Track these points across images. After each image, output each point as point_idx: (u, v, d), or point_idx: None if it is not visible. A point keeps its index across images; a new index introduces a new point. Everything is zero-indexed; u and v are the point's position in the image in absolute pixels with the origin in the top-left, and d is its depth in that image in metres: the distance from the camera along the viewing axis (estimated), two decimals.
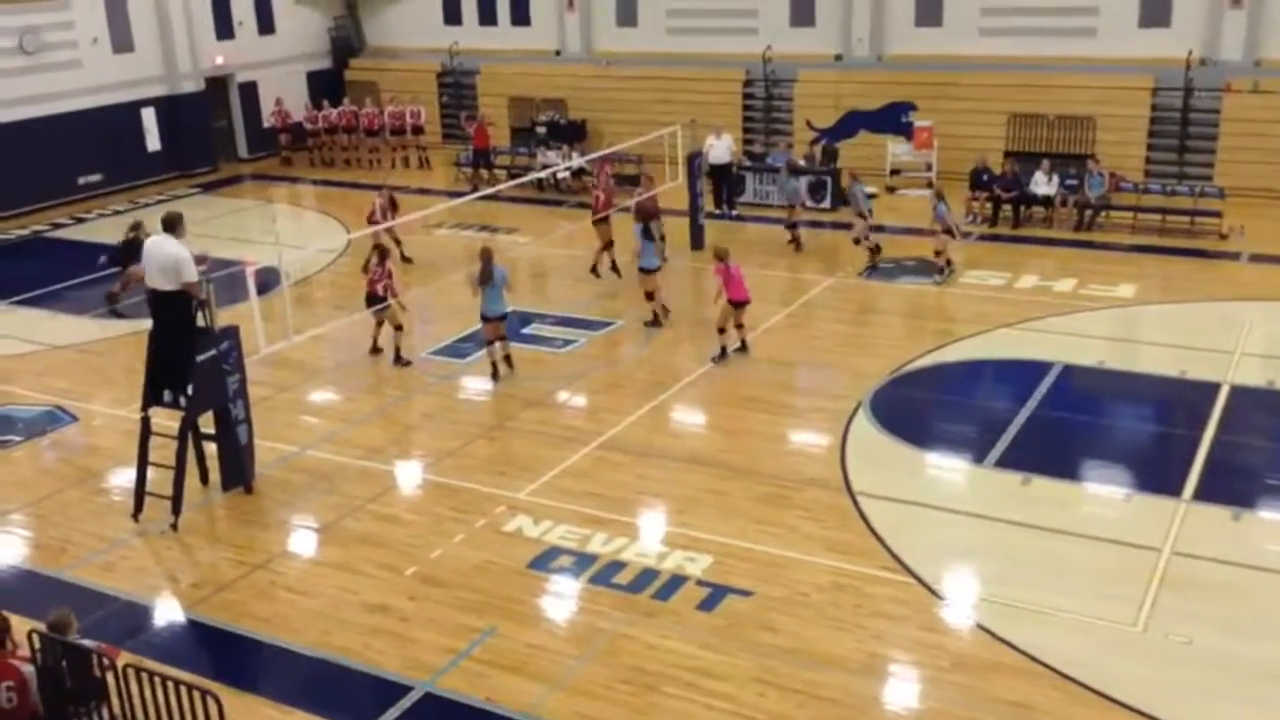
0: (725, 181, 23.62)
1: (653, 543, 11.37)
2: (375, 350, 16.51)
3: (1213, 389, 14.28)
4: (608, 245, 19.10)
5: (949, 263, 18.91)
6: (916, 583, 10.53)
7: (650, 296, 17.10)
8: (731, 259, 15.40)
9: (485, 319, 15.31)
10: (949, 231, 18.65)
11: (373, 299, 15.96)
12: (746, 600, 10.32)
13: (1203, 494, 11.84)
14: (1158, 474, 12.44)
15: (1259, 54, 23.51)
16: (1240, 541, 11.05)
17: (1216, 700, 8.81)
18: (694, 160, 21.07)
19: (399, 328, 16.13)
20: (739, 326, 15.66)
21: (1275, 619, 9.79)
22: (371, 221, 19.40)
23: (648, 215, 17.67)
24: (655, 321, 17.05)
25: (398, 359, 16.12)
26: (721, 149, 23.50)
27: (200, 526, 12.14)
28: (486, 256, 15.28)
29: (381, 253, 16.25)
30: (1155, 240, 20.74)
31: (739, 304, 15.40)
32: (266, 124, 30.56)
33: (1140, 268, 19.32)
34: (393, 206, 19.96)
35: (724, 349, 15.61)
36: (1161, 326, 16.79)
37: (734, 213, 23.51)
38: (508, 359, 15.67)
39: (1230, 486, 11.98)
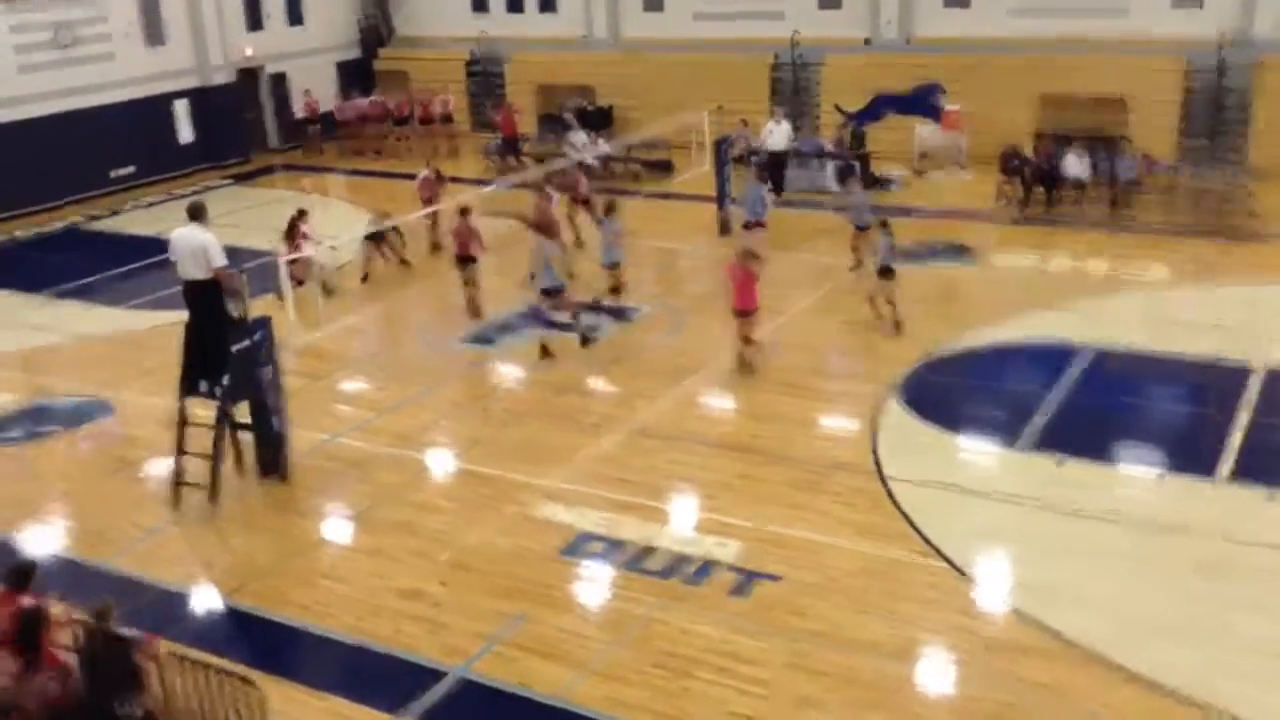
0: (781, 169, 23.10)
1: (684, 528, 11.42)
2: (476, 313, 17.23)
3: (1246, 371, 14.14)
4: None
5: (897, 325, 15.85)
6: (949, 567, 10.52)
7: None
8: (753, 262, 14.43)
9: (545, 293, 15.76)
10: (888, 271, 15.89)
11: (463, 259, 16.98)
12: (778, 585, 10.35)
13: (1238, 475, 11.77)
14: (1192, 456, 12.33)
15: None
16: (1276, 522, 10.96)
17: (1254, 683, 8.76)
18: (721, 145, 21.02)
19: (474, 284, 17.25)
20: (745, 340, 14.52)
21: None
22: (425, 196, 20.32)
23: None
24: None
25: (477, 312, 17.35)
26: (780, 135, 23.11)
27: (237, 515, 12.27)
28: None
29: (464, 209, 17.26)
30: (1188, 221, 20.53)
31: (741, 313, 14.37)
32: (298, 115, 30.71)
33: (1173, 249, 19.13)
34: (439, 179, 20.95)
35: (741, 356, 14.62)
36: (1194, 308, 16.62)
37: (780, 199, 22.79)
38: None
39: (1266, 467, 11.88)
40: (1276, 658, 9.05)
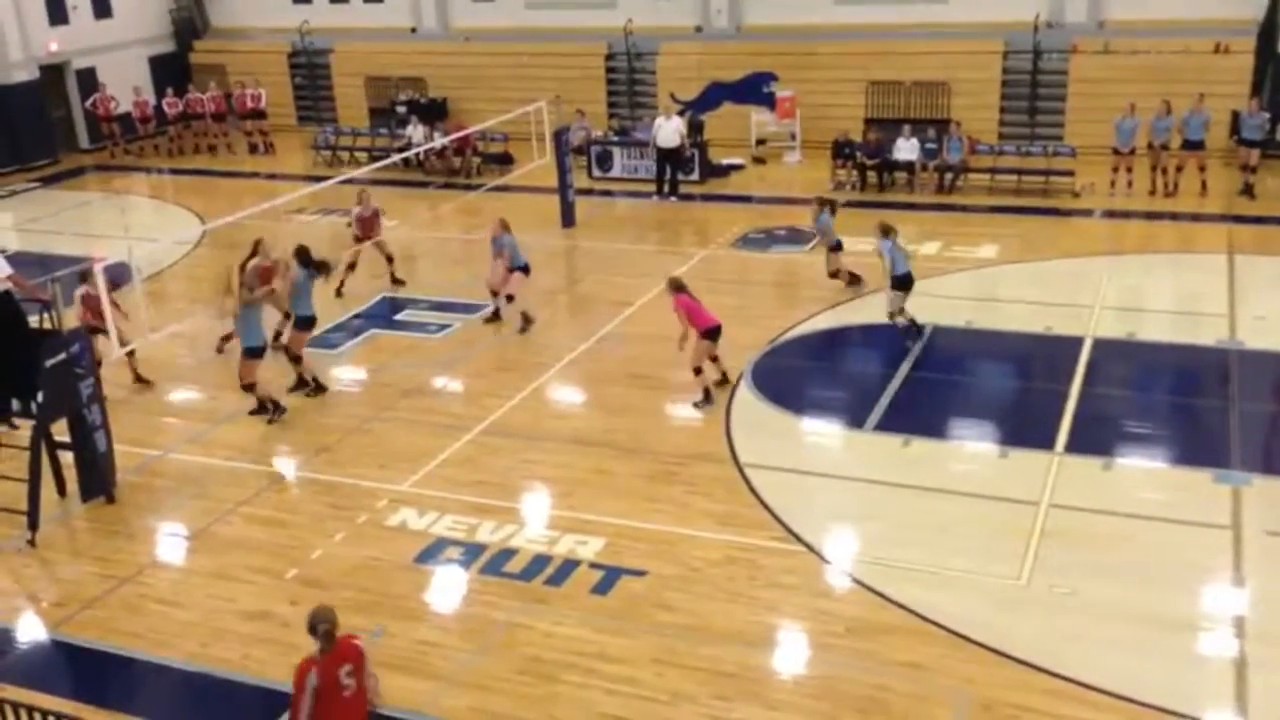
0: (672, 165, 22.43)
1: (543, 528, 11.17)
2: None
3: (1077, 343, 14.71)
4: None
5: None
6: (807, 551, 10.58)
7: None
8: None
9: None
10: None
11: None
12: (641, 580, 10.21)
13: (1074, 446, 12.19)
14: (1031, 429, 12.72)
15: (1102, 15, 24.36)
16: (1113, 490, 11.40)
17: (1102, 648, 9.03)
18: (560, 136, 20.77)
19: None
20: (714, 359, 13.79)
21: (1151, 565, 10.11)
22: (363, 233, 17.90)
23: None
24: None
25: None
26: (670, 131, 22.29)
27: (60, 541, 11.47)
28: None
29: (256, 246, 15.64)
30: (1012, 200, 21.30)
31: (713, 332, 13.47)
32: (119, 112, 28.74)
33: (1000, 228, 19.80)
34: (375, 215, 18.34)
35: (707, 390, 13.49)
36: (1024, 284, 17.23)
37: (673, 197, 22.44)
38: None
39: (1099, 437, 12.35)
40: (1122, 621, 9.36)
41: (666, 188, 22.47)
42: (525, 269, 16.02)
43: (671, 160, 22.45)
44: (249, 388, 13.75)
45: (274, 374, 14.23)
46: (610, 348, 15.39)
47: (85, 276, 13.89)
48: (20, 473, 11.35)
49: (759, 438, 12.78)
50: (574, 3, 28.13)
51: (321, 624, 7.09)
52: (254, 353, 13.55)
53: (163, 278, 19.14)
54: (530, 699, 8.80)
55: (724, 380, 13.92)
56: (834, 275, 17.01)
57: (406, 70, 29.16)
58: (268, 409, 13.76)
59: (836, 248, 16.94)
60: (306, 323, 14.38)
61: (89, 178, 27.55)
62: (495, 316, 16.30)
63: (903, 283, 14.99)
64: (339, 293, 17.30)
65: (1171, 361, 14.50)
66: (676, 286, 13.47)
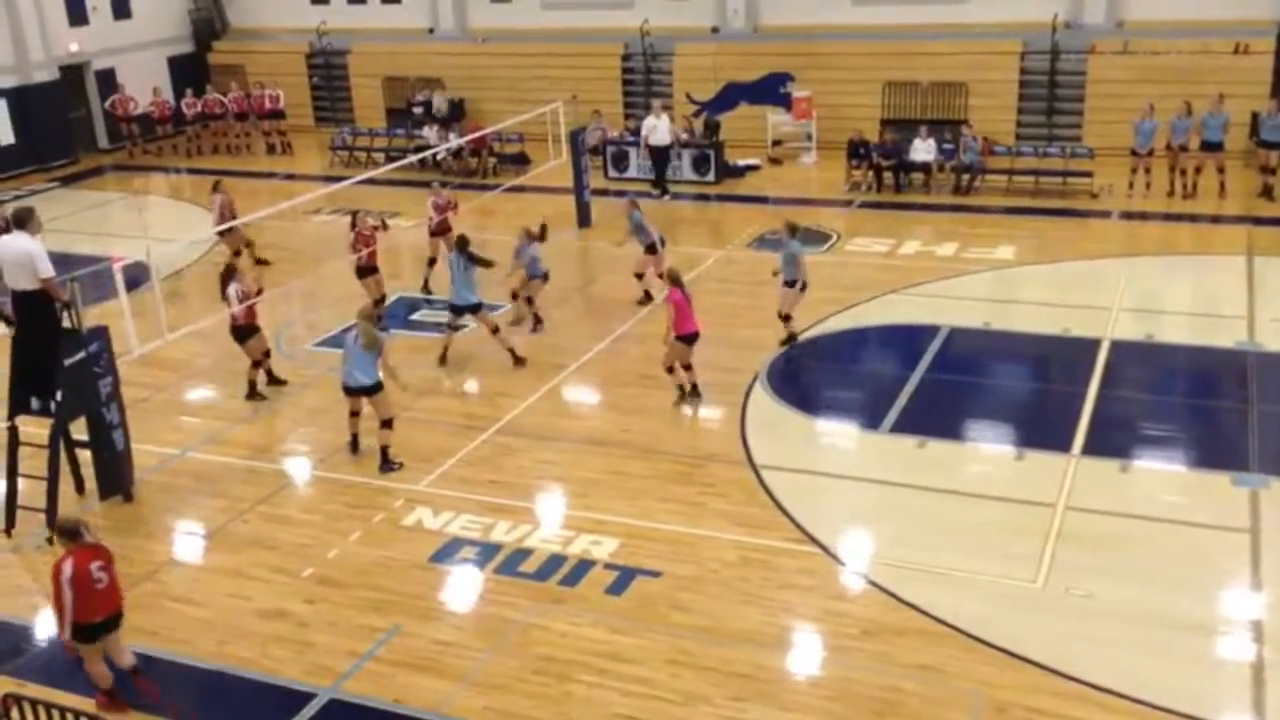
0: (664, 163, 22.68)
1: (557, 528, 11.19)
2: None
3: (1094, 345, 14.64)
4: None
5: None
6: (822, 552, 10.57)
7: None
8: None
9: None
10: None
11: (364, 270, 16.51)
12: (656, 581, 10.22)
13: (1091, 448, 12.14)
14: (1047, 431, 12.67)
15: (1120, 15, 24.24)
16: (1130, 493, 11.36)
17: (1119, 651, 9.00)
18: (577, 137, 20.80)
19: (381, 299, 16.71)
20: (687, 367, 13.51)
21: (1169, 568, 10.07)
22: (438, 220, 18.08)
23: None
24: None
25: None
26: (662, 130, 22.50)
27: None
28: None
29: (354, 217, 16.66)
30: (1030, 202, 21.22)
31: (691, 338, 13.33)
32: (138, 111, 28.94)
33: (1017, 229, 19.73)
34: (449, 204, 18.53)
35: (682, 388, 13.54)
36: (1041, 286, 17.17)
37: (667, 196, 22.58)
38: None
39: (1117, 439, 12.30)
40: (1138, 624, 9.33)
41: (663, 186, 22.68)
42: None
43: (665, 159, 22.62)
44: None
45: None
46: (624, 349, 15.38)
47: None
48: (39, 470, 11.44)
49: (774, 439, 12.77)
50: (590, 3, 28.15)
51: (72, 525, 8.41)
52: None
53: (181, 277, 19.21)
54: (545, 699, 8.82)
55: (692, 391, 13.60)
56: (639, 277, 17.06)
57: (424, 71, 29.20)
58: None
59: (652, 249, 16.93)
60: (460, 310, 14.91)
61: (108, 177, 27.73)
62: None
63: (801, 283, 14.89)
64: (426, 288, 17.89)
65: (1189, 364, 14.43)
66: (674, 279, 13.42)
